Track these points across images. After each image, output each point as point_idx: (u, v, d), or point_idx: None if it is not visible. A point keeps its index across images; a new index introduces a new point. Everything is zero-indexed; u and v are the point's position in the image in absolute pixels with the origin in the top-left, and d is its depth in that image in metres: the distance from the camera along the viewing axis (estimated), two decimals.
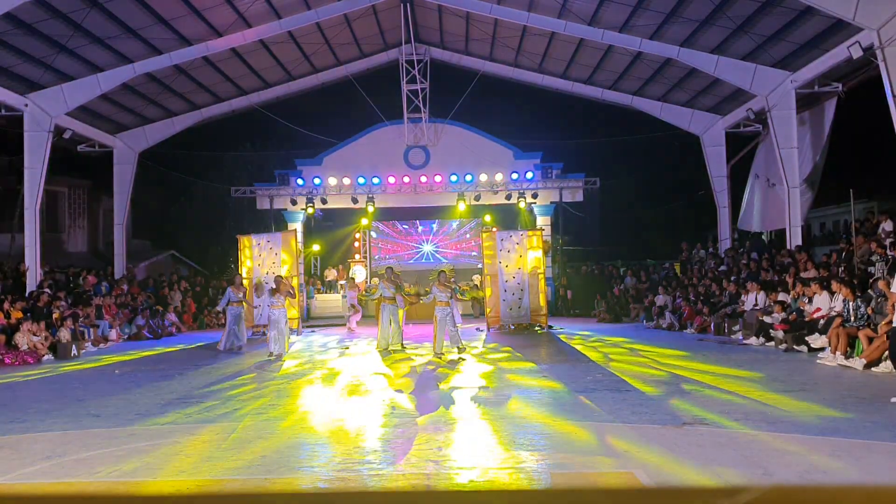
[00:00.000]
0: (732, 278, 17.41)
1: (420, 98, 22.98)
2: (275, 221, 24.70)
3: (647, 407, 7.44)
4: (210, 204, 33.09)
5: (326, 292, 25.44)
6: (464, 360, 11.84)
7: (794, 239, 17.53)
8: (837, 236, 25.23)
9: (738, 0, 15.03)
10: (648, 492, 4.09)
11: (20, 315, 14.28)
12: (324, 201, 24.10)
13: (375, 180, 23.68)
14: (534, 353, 13.05)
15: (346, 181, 23.84)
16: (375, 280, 24.04)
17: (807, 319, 12.43)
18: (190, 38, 18.02)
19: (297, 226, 23.88)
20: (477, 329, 17.96)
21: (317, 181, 23.85)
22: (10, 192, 22.34)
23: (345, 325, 19.64)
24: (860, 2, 12.94)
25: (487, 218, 24.82)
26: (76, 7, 15.12)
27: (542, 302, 17.94)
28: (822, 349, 11.36)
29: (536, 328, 17.64)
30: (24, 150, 17.82)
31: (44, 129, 17.88)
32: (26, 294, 16.48)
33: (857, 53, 14.09)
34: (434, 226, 26.45)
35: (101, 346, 16.04)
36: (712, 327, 16.27)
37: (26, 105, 17.68)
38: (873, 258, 13.45)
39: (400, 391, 9.10)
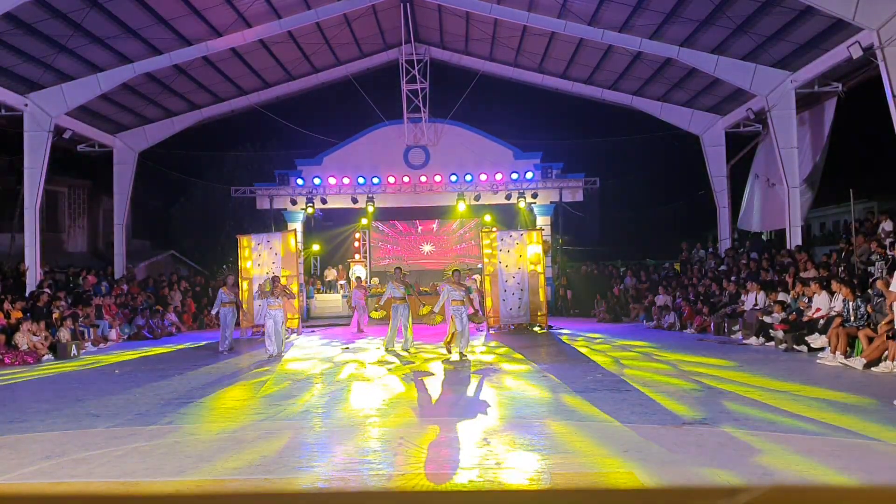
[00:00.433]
0: (732, 278, 17.40)
1: (420, 98, 22.98)
2: (275, 221, 24.70)
3: (647, 407, 7.44)
4: (210, 204, 33.09)
5: (326, 292, 25.44)
6: (466, 361, 11.79)
7: (794, 239, 17.52)
8: (837, 236, 25.22)
9: (737, 0, 15.03)
10: (648, 492, 4.09)
11: (20, 315, 14.28)
12: (324, 201, 24.10)
13: (375, 180, 23.68)
14: (534, 353, 13.05)
15: (346, 181, 23.83)
16: (376, 280, 24.15)
17: (807, 319, 12.44)
18: (190, 38, 18.02)
19: (297, 226, 23.86)
20: (477, 329, 17.96)
21: (317, 181, 23.85)
22: (10, 192, 22.34)
23: (345, 325, 19.62)
24: (860, 2, 12.94)
25: (487, 218, 24.81)
26: (76, 7, 15.12)
27: (542, 302, 17.94)
28: (822, 349, 11.36)
29: (536, 328, 17.64)
30: (24, 150, 17.82)
31: (44, 129, 17.88)
32: (26, 294, 16.48)
33: (857, 53, 14.09)
34: (434, 226, 26.44)
35: (101, 346, 16.04)
36: (712, 327, 16.27)
37: (26, 105, 17.68)
38: (873, 258, 13.45)
39: (400, 391, 9.09)
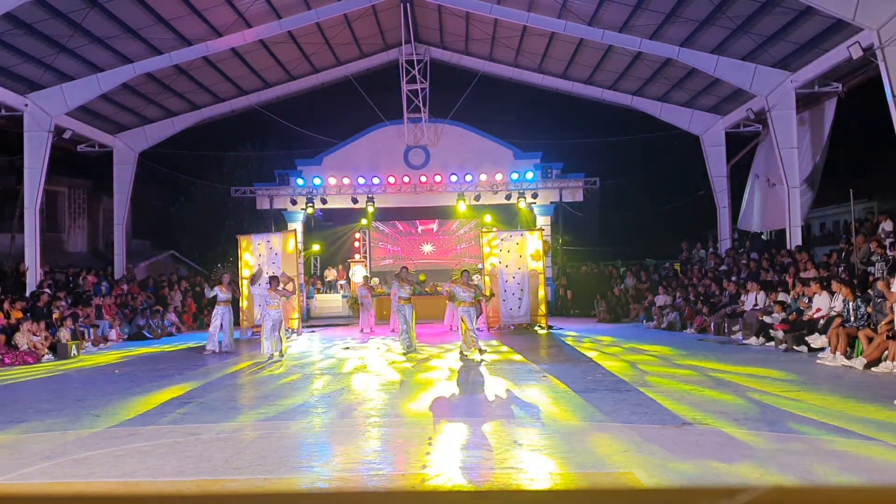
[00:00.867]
0: (732, 278, 17.41)
1: (420, 98, 22.98)
2: (275, 221, 24.71)
3: (647, 407, 7.44)
4: (210, 204, 33.10)
5: (326, 292, 25.44)
6: (473, 362, 11.74)
7: (794, 239, 17.52)
8: (837, 236, 25.23)
9: (738, 0, 15.03)
10: (648, 492, 4.09)
11: (20, 315, 14.28)
12: (324, 201, 24.10)
13: (375, 180, 23.68)
14: (534, 353, 13.05)
15: (346, 181, 23.84)
16: (376, 280, 24.15)
17: (807, 319, 12.44)
18: (190, 38, 18.02)
19: (297, 226, 23.87)
20: (477, 329, 17.94)
21: (317, 181, 23.86)
22: (10, 192, 22.34)
23: (345, 325, 19.62)
24: (860, 2, 12.94)
25: (487, 218, 24.82)
26: (76, 7, 15.11)
27: (542, 302, 17.94)
28: (822, 349, 11.36)
29: (536, 328, 17.65)
30: (24, 150, 17.82)
31: (44, 129, 17.88)
32: (26, 294, 16.48)
33: (857, 53, 14.09)
34: (434, 226, 26.45)
35: (101, 346, 16.03)
36: (712, 327, 16.27)
37: (26, 105, 17.68)
38: (873, 258, 13.45)
39: (400, 391, 9.09)
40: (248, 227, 27.53)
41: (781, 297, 13.93)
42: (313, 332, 19.27)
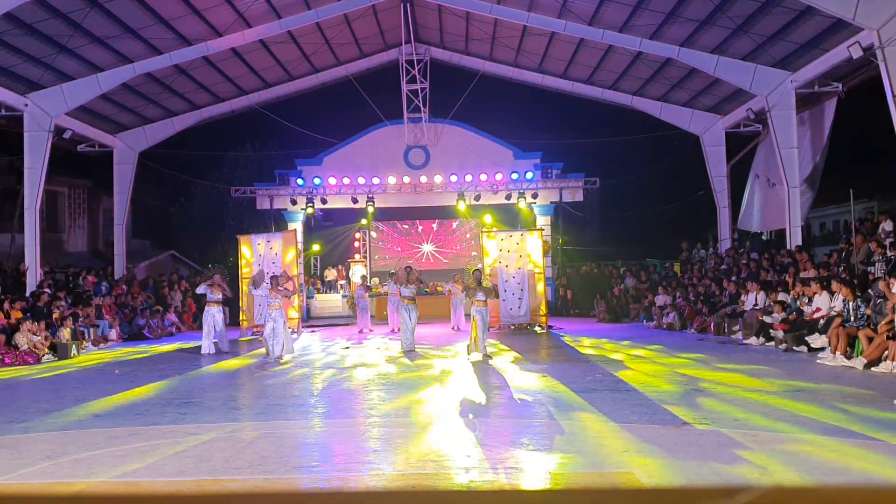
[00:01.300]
0: (732, 278, 17.41)
1: (420, 98, 22.98)
2: (275, 221, 24.70)
3: (647, 407, 7.44)
4: (210, 204, 33.09)
5: (326, 292, 25.44)
6: (480, 361, 11.67)
7: (794, 239, 17.52)
8: (837, 236, 25.25)
9: (737, 0, 15.03)
10: (648, 492, 4.09)
11: (20, 315, 14.28)
12: (324, 201, 24.10)
13: (375, 180, 23.68)
14: (534, 353, 13.05)
15: (346, 181, 23.84)
16: (376, 280, 24.14)
17: (807, 319, 12.44)
18: (190, 38, 18.02)
19: (297, 226, 23.87)
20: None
21: (317, 181, 23.86)
22: (10, 192, 22.34)
23: (345, 325, 19.62)
24: (860, 2, 12.94)
25: (487, 218, 24.82)
26: (76, 7, 15.11)
27: (542, 302, 17.94)
28: (822, 349, 11.36)
29: (536, 328, 17.64)
30: (24, 150, 17.82)
31: (44, 129, 17.88)
32: (26, 294, 16.48)
33: (857, 53, 14.09)
34: (434, 226, 26.45)
35: (101, 345, 16.03)
36: (712, 327, 16.27)
37: (26, 105, 17.68)
38: (873, 258, 13.46)
39: (400, 391, 9.09)
40: (248, 227, 27.51)
41: (781, 297, 13.93)
42: (313, 332, 19.27)
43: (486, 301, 12.36)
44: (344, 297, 24.69)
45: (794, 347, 12.27)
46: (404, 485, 5.00)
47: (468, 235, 26.23)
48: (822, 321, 11.99)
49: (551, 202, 24.37)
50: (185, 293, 22.15)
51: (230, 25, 17.87)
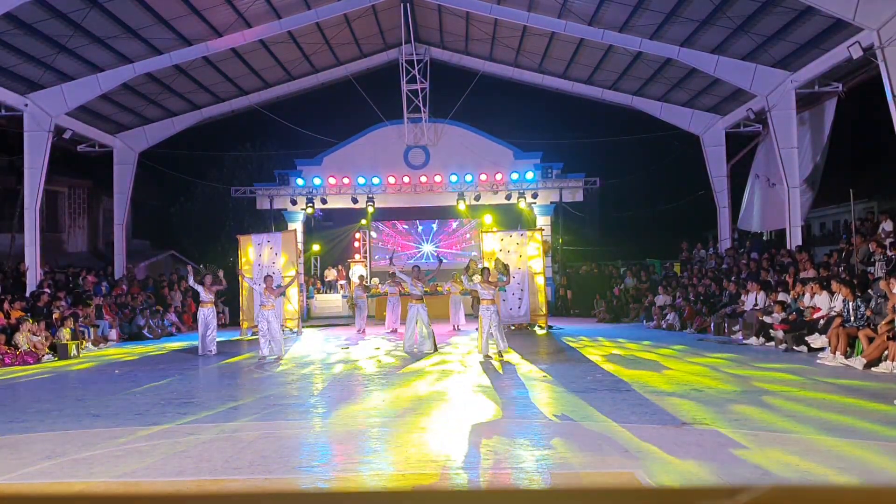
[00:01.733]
0: (732, 278, 17.41)
1: (420, 98, 22.98)
2: (275, 221, 24.71)
3: (647, 407, 7.44)
4: (210, 204, 33.10)
5: (326, 292, 25.45)
6: (501, 361, 11.57)
7: (794, 239, 17.52)
8: (837, 236, 25.22)
9: (737, 0, 15.03)
10: (648, 492, 4.09)
11: (20, 315, 14.28)
12: (324, 201, 24.11)
13: (375, 180, 23.69)
14: (534, 353, 13.05)
15: (346, 181, 23.84)
16: (375, 280, 24.14)
17: (807, 319, 12.43)
18: (190, 38, 18.02)
19: (297, 226, 23.88)
20: (477, 329, 17.95)
21: (317, 181, 23.86)
22: (10, 192, 22.34)
23: (344, 325, 19.61)
24: (860, 2, 12.93)
25: (487, 218, 24.82)
26: (76, 7, 15.11)
27: (542, 302, 17.94)
28: (822, 349, 11.36)
29: (536, 328, 17.64)
30: (24, 150, 17.82)
31: (44, 129, 17.88)
32: (26, 294, 16.48)
33: (857, 53, 14.09)
34: (434, 226, 26.46)
35: (101, 345, 16.04)
36: (712, 327, 16.27)
37: (26, 105, 17.68)
38: (873, 258, 13.45)
39: (400, 391, 9.09)
40: (248, 227, 27.53)
41: (781, 297, 13.93)
42: (313, 332, 19.26)
43: (492, 299, 12.21)
44: (344, 297, 24.70)
45: (794, 347, 12.27)
46: (404, 485, 5.00)
47: (468, 235, 26.23)
48: (822, 321, 11.99)
49: (551, 202, 24.37)
50: (185, 293, 22.15)
51: (230, 25, 17.87)
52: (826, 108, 18.42)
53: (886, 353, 9.65)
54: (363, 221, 25.93)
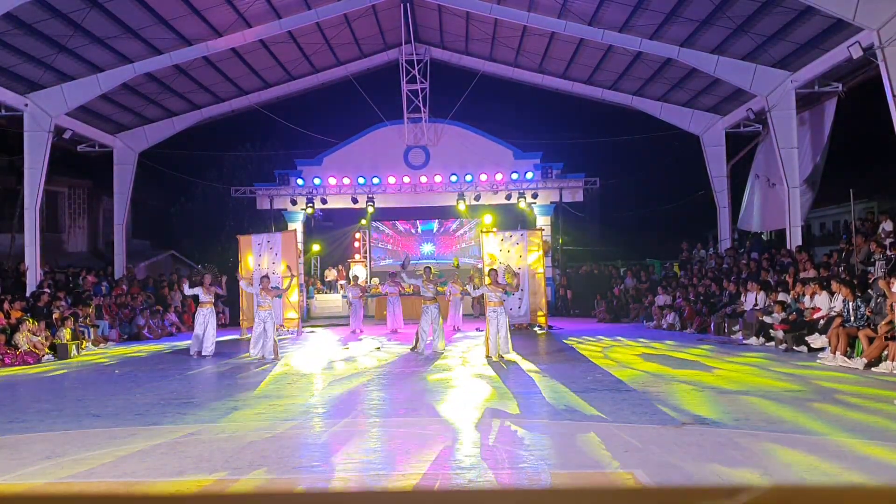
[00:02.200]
0: (732, 278, 17.41)
1: (420, 98, 22.98)
2: (275, 221, 24.70)
3: (647, 407, 7.44)
4: (210, 204, 33.09)
5: (326, 292, 25.44)
6: (509, 363, 11.55)
7: (794, 239, 17.52)
8: (837, 236, 25.21)
9: (737, 0, 15.03)
10: (648, 492, 4.09)
11: (20, 315, 14.28)
12: (324, 201, 24.10)
13: (375, 180, 23.68)
14: (534, 353, 13.05)
15: (346, 181, 23.84)
16: (376, 280, 24.14)
17: (807, 319, 12.43)
18: (190, 38, 18.02)
19: (297, 226, 23.87)
20: (477, 329, 17.95)
21: (317, 181, 23.86)
22: (10, 192, 22.33)
23: (344, 325, 19.58)
24: (860, 2, 12.93)
25: (487, 218, 24.82)
26: (76, 7, 15.11)
27: (542, 302, 17.94)
28: (822, 349, 11.36)
29: (536, 328, 17.64)
30: (24, 150, 17.82)
31: (44, 129, 17.87)
32: (26, 294, 16.48)
33: (857, 53, 14.08)
34: (434, 226, 26.45)
35: (101, 346, 16.03)
36: (712, 327, 16.27)
37: (26, 105, 17.67)
38: (873, 258, 13.45)
39: (401, 391, 9.10)
40: (248, 227, 27.51)
41: (781, 297, 13.93)
42: (313, 332, 19.28)
43: (500, 302, 12.20)
44: (344, 297, 24.68)
45: (794, 347, 12.27)
46: (404, 485, 5.00)
47: (468, 235, 26.22)
48: (822, 321, 11.99)
49: (551, 202, 24.36)
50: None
51: (230, 25, 17.86)
52: (826, 108, 18.42)
53: (886, 353, 9.65)
54: (363, 221, 25.93)
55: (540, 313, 17.75)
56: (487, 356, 12.00)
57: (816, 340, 11.84)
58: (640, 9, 16.55)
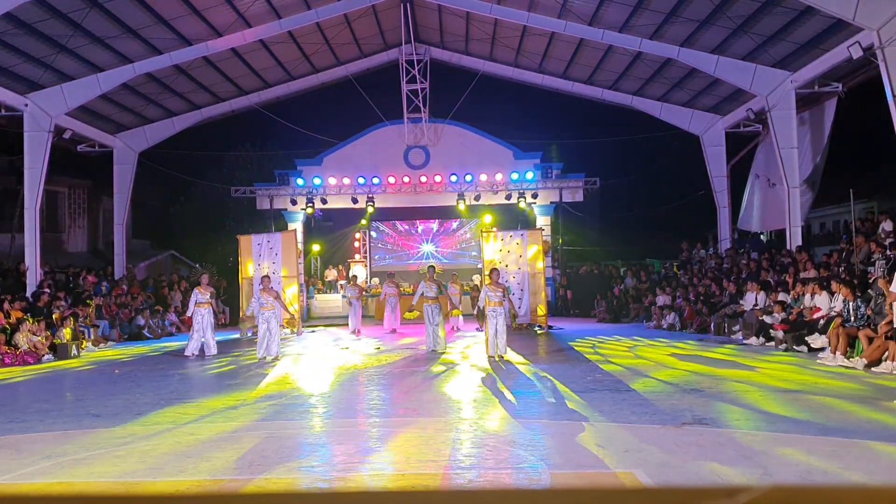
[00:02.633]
0: (732, 278, 17.41)
1: (420, 98, 22.98)
2: (275, 221, 24.71)
3: (647, 407, 7.44)
4: (210, 204, 33.10)
5: (327, 292, 25.44)
6: (506, 362, 11.57)
7: (794, 239, 17.52)
8: (837, 236, 25.22)
9: (737, 0, 15.03)
10: (648, 492, 4.09)
11: (20, 315, 14.28)
12: (324, 201, 24.10)
13: (375, 180, 23.68)
14: (534, 353, 13.05)
15: (346, 181, 23.84)
16: (376, 280, 24.13)
17: (807, 319, 12.43)
18: (190, 38, 18.02)
19: (297, 226, 23.88)
20: (477, 329, 17.96)
21: (317, 181, 23.86)
22: (10, 192, 22.34)
23: (344, 325, 19.57)
24: (860, 2, 12.94)
25: (487, 218, 24.82)
26: (76, 7, 15.11)
27: (542, 302, 17.93)
28: (822, 349, 11.36)
29: (536, 328, 17.64)
30: (24, 150, 17.82)
31: (44, 129, 17.87)
32: (26, 294, 16.47)
33: (857, 53, 14.09)
34: (434, 226, 26.45)
35: (101, 345, 16.03)
36: (712, 327, 16.27)
37: (26, 105, 17.67)
38: (873, 258, 13.45)
39: (401, 391, 9.09)
40: (248, 227, 27.52)
41: (781, 297, 13.93)
42: (313, 332, 19.28)
43: (500, 301, 12.22)
44: (344, 297, 24.69)
45: (794, 347, 12.27)
46: (404, 485, 5.00)
47: (468, 235, 26.22)
48: (822, 321, 11.99)
49: (551, 202, 24.37)
50: (185, 293, 22.12)
51: (230, 25, 17.86)
52: (826, 109, 18.42)
53: (886, 353, 9.65)
54: (363, 221, 25.92)
55: (540, 313, 17.74)
56: (489, 356, 12.03)
57: (816, 340, 11.84)
58: (640, 9, 16.55)
